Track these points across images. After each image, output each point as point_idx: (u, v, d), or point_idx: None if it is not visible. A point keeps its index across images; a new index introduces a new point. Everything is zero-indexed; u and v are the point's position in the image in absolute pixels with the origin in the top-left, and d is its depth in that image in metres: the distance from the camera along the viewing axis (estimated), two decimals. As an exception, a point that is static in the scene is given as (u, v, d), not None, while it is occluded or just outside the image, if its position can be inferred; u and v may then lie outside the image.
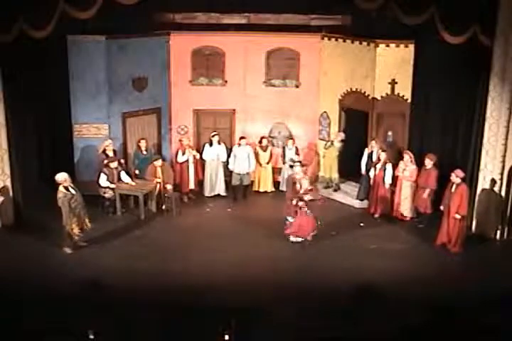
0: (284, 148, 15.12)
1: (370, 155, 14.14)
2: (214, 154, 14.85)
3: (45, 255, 11.93)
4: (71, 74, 14.32)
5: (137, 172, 14.49)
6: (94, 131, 14.70)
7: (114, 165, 13.57)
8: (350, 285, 10.70)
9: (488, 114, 12.42)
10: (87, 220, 12.05)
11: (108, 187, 13.59)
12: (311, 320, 9.66)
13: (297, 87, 15.49)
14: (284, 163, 15.02)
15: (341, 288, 10.73)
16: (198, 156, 14.75)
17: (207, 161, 14.91)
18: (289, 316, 9.77)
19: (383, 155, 13.68)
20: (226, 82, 15.57)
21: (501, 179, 12.63)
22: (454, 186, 12.04)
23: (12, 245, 12.33)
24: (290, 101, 15.53)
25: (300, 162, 12.95)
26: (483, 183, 12.79)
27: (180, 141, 14.86)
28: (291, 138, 15.10)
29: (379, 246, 12.52)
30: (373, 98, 14.15)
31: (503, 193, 12.70)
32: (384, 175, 13.65)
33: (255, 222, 13.39)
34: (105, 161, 13.71)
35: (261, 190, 15.29)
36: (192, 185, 14.82)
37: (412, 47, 13.77)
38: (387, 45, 13.81)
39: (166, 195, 14.03)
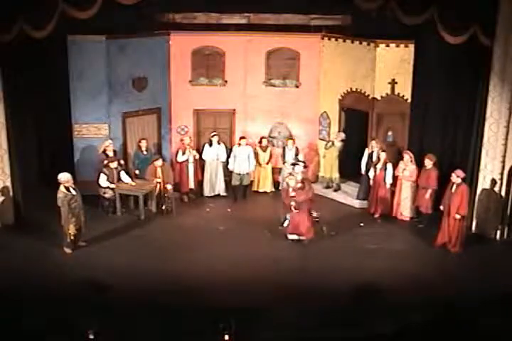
0: (284, 148, 15.11)
1: (370, 156, 14.14)
2: (214, 154, 14.85)
3: (45, 255, 11.93)
4: (71, 74, 14.31)
5: (137, 172, 14.49)
6: (94, 131, 14.70)
7: (113, 165, 13.57)
8: (350, 285, 10.72)
9: (488, 114, 12.42)
10: (83, 221, 12.05)
11: (108, 187, 13.59)
12: (311, 320, 9.66)
13: (297, 87, 15.48)
14: (284, 163, 15.01)
15: (341, 288, 10.74)
16: (197, 156, 14.76)
17: (207, 161, 14.91)
18: (289, 316, 9.77)
19: (383, 155, 13.68)
20: (226, 82, 15.57)
21: (501, 179, 12.63)
22: (455, 186, 12.04)
23: (12, 245, 12.33)
24: (290, 101, 15.52)
25: (304, 163, 12.90)
26: (483, 183, 12.79)
27: (181, 140, 14.84)
28: (292, 139, 15.08)
29: (379, 246, 12.53)
30: (373, 98, 14.15)
31: (503, 193, 12.70)
32: (384, 175, 13.65)
33: (255, 222, 13.38)
34: (105, 161, 13.71)
35: (260, 190, 15.28)
36: (192, 185, 14.83)
37: (412, 47, 13.77)
38: (387, 45, 13.81)
39: (166, 195, 14.03)
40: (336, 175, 15.02)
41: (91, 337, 8.26)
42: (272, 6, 14.59)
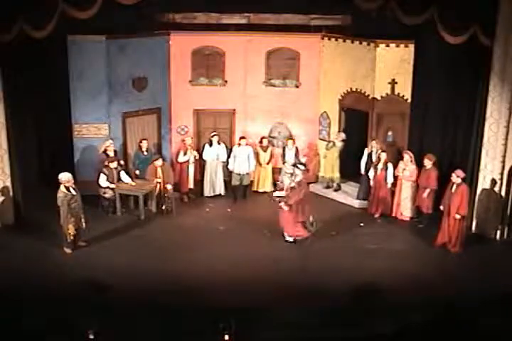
0: (284, 148, 15.12)
1: (369, 156, 14.14)
2: (214, 154, 14.85)
3: (45, 255, 11.93)
4: (71, 74, 14.31)
5: (137, 172, 14.49)
6: (94, 131, 14.69)
7: (113, 165, 13.57)
8: (350, 285, 10.72)
9: (488, 114, 12.42)
10: (83, 221, 12.06)
11: (108, 187, 13.59)
12: (311, 320, 9.66)
13: (297, 87, 15.48)
14: (284, 163, 15.01)
15: (341, 288, 10.73)
16: (197, 157, 14.77)
17: (207, 161, 14.91)
18: (289, 316, 9.77)
19: (384, 156, 13.68)
20: (226, 82, 15.57)
21: (501, 179, 12.63)
22: (455, 186, 12.04)
23: (12, 245, 12.33)
24: (290, 101, 15.52)
25: (305, 165, 12.91)
26: (483, 183, 12.79)
27: (183, 140, 14.82)
28: (292, 139, 15.08)
29: (379, 246, 12.53)
30: (373, 98, 14.15)
31: (503, 193, 12.70)
32: (385, 175, 13.66)
33: (255, 222, 13.38)
34: (106, 161, 13.71)
35: (261, 190, 15.28)
36: (192, 185, 14.83)
37: (412, 47, 13.76)
38: (387, 45, 13.80)
39: (166, 195, 14.03)
40: (336, 175, 15.01)
41: (91, 337, 8.26)
42: (272, 6, 14.59)
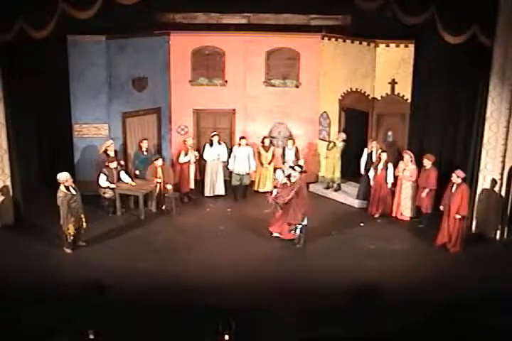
0: (284, 148, 15.12)
1: (369, 156, 14.14)
2: (215, 154, 14.85)
3: (45, 255, 11.93)
4: (71, 74, 14.32)
5: (137, 172, 14.49)
6: (94, 131, 14.70)
7: (113, 165, 13.57)
8: (350, 285, 10.71)
9: (488, 114, 12.42)
10: (83, 220, 12.06)
11: (108, 187, 13.59)
12: (311, 320, 9.66)
13: (297, 87, 15.49)
14: (283, 163, 15.01)
15: (341, 288, 10.73)
16: (198, 157, 14.77)
17: (208, 161, 14.91)
18: (289, 316, 9.77)
19: (384, 156, 13.68)
20: (226, 82, 15.57)
21: (501, 179, 12.63)
22: (455, 186, 12.04)
23: (12, 245, 12.33)
24: (290, 101, 15.52)
25: (302, 167, 12.88)
26: (483, 183, 12.79)
27: (184, 141, 14.81)
28: (292, 139, 15.09)
29: (379, 246, 12.53)
30: (373, 98, 14.15)
31: (503, 193, 12.70)
32: (385, 175, 13.66)
33: (255, 222, 13.37)
34: (106, 162, 13.71)
35: (262, 189, 15.25)
36: (192, 185, 14.84)
37: (412, 47, 13.76)
38: (387, 45, 13.80)
39: (166, 195, 14.03)
40: (337, 175, 15.01)
41: (91, 337, 8.26)
42: (272, 6, 14.58)
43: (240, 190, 14.99)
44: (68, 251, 12.04)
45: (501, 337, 8.71)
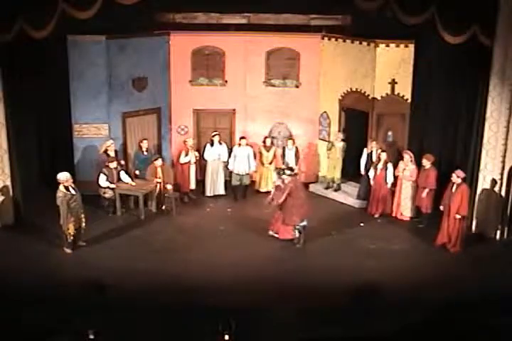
0: (284, 148, 15.12)
1: (369, 156, 14.14)
2: (215, 154, 14.85)
3: (45, 255, 11.93)
4: (71, 74, 14.32)
5: (137, 172, 14.49)
6: (94, 131, 14.70)
7: (113, 165, 13.57)
8: (350, 285, 10.71)
9: (488, 114, 12.42)
10: (83, 220, 12.06)
11: (108, 187, 13.59)
12: (311, 320, 9.66)
13: (297, 87, 15.49)
14: (283, 163, 15.02)
15: (341, 288, 10.73)
16: (198, 157, 14.77)
17: (208, 161, 14.90)
18: (289, 316, 9.77)
19: (384, 156, 13.69)
20: (226, 82, 15.57)
21: (501, 179, 12.63)
22: (455, 186, 12.04)
23: (12, 245, 12.33)
24: (290, 101, 15.52)
25: (293, 170, 12.74)
26: (483, 183, 12.79)
27: (184, 142, 14.80)
28: (292, 139, 15.09)
29: (379, 246, 12.53)
30: (373, 98, 14.15)
31: (503, 193, 12.70)
32: (385, 175, 13.66)
33: (255, 222, 13.37)
34: (106, 162, 13.71)
35: (263, 189, 15.25)
36: (192, 186, 14.84)
37: (412, 47, 13.76)
38: (387, 45, 13.80)
39: (166, 194, 14.03)
40: (337, 175, 15.00)
41: (91, 337, 8.26)
42: (272, 6, 14.58)
43: (240, 190, 14.99)
44: (68, 251, 12.04)
45: (501, 337, 8.71)
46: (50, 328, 8.88)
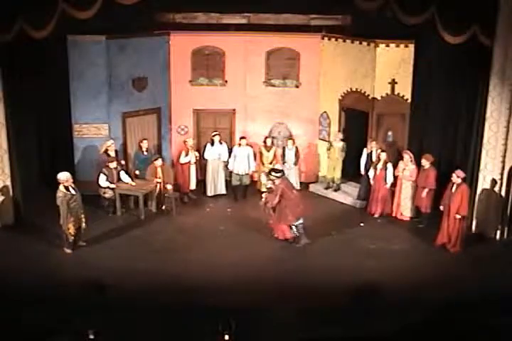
0: (284, 148, 15.12)
1: (369, 156, 14.14)
2: (216, 154, 14.85)
3: (45, 255, 11.93)
4: (71, 74, 14.32)
5: (137, 172, 14.48)
6: (94, 131, 14.70)
7: (113, 165, 13.57)
8: (350, 285, 10.71)
9: (488, 114, 12.42)
10: (83, 220, 12.06)
11: (108, 187, 13.59)
12: (311, 320, 9.66)
13: (297, 87, 15.48)
14: (283, 163, 15.03)
15: (341, 288, 10.73)
16: (198, 157, 14.77)
17: (209, 161, 14.91)
18: (289, 316, 9.77)
19: (383, 155, 13.69)
20: (226, 82, 15.57)
21: (501, 179, 12.63)
22: (455, 186, 12.04)
23: (12, 245, 12.33)
24: (290, 101, 15.52)
25: (280, 172, 12.61)
26: (483, 183, 12.79)
27: (184, 142, 14.79)
28: (292, 139, 15.09)
29: (379, 246, 12.53)
30: (373, 98, 14.15)
31: (503, 193, 12.70)
32: (385, 175, 13.66)
33: (255, 221, 13.37)
34: (107, 162, 13.71)
35: (263, 189, 15.24)
36: (193, 186, 14.84)
37: (412, 47, 13.76)
38: (387, 45, 13.80)
39: (166, 194, 14.03)
40: (337, 175, 15.00)
41: (91, 337, 8.26)
42: (272, 6, 14.58)
43: (240, 190, 14.99)
44: (68, 251, 12.04)
45: (501, 337, 8.71)
46: (50, 328, 8.88)
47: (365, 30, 14.09)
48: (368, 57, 14.01)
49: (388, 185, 13.73)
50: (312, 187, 15.48)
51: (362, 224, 13.60)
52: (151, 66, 15.16)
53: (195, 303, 10.10)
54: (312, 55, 15.17)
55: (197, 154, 14.74)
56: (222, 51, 15.37)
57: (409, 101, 14.18)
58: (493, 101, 12.29)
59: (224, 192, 15.11)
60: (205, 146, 14.95)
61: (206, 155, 14.88)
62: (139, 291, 10.60)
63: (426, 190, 13.12)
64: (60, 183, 11.74)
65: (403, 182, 13.59)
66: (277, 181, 12.31)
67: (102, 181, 13.49)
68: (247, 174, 14.88)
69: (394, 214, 13.84)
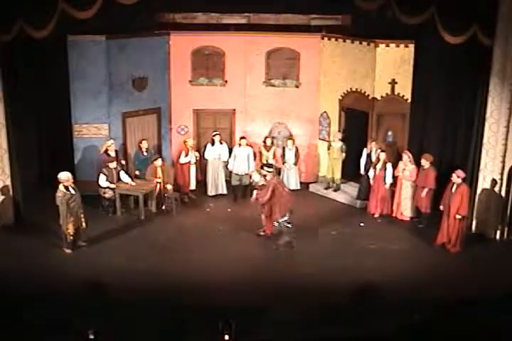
0: (284, 148, 15.13)
1: (369, 156, 14.14)
2: (216, 153, 14.85)
3: (45, 255, 11.93)
4: (71, 74, 14.31)
5: (137, 172, 14.48)
6: (94, 131, 14.70)
7: (113, 165, 13.57)
8: (350, 285, 10.71)
9: (488, 114, 12.42)
10: (82, 220, 12.06)
11: (108, 187, 13.59)
12: (311, 319, 9.66)
13: (297, 87, 15.49)
14: (283, 163, 15.03)
15: (341, 288, 10.73)
16: (198, 157, 14.77)
17: (209, 160, 14.91)
18: (289, 316, 9.77)
19: (383, 155, 13.68)
20: (226, 82, 15.57)
21: (501, 179, 12.63)
22: (455, 186, 12.04)
23: (12, 245, 12.33)
24: (290, 101, 15.52)
25: (271, 167, 12.74)
26: (483, 183, 12.79)
27: (184, 142, 14.79)
28: (292, 139, 15.10)
29: (379, 246, 12.53)
30: (373, 98, 14.15)
31: (503, 193, 12.70)
32: (384, 175, 13.66)
33: (255, 221, 13.35)
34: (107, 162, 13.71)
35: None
36: (193, 186, 14.84)
37: (412, 47, 13.76)
38: (387, 45, 13.80)
39: (166, 194, 14.03)
40: (337, 176, 15.00)
41: (91, 337, 8.25)
42: (272, 6, 14.60)
43: (239, 190, 14.99)
44: (68, 251, 12.04)
45: (501, 337, 8.70)
46: (50, 328, 8.88)
47: (365, 30, 14.10)
48: (368, 57, 14.01)
49: (387, 185, 13.73)
50: (312, 187, 15.49)
51: (362, 224, 13.61)
52: (151, 66, 15.16)
53: (195, 303, 10.09)
54: (312, 55, 15.17)
55: (197, 154, 14.74)
56: (222, 51, 15.37)
57: (409, 101, 14.18)
58: (493, 101, 12.29)
59: (225, 192, 15.11)
60: (205, 146, 14.95)
61: (206, 155, 14.88)
62: (139, 291, 10.60)
63: (425, 190, 13.12)
64: (60, 183, 11.74)
65: (403, 182, 13.59)
66: (269, 176, 12.31)
67: (102, 181, 13.49)
68: (247, 174, 14.86)
69: (394, 214, 13.84)
